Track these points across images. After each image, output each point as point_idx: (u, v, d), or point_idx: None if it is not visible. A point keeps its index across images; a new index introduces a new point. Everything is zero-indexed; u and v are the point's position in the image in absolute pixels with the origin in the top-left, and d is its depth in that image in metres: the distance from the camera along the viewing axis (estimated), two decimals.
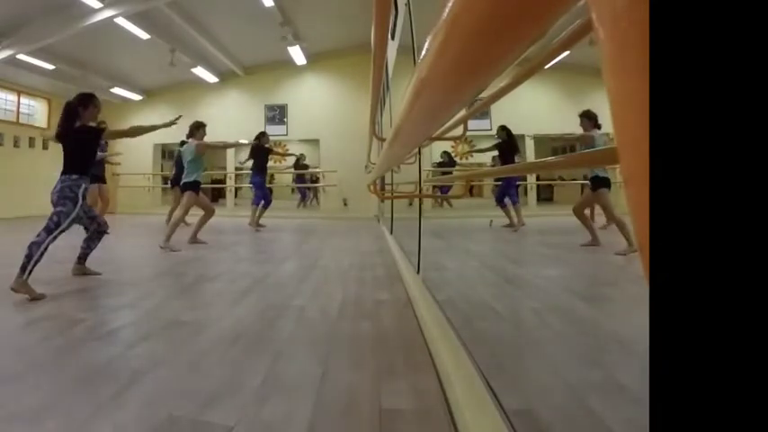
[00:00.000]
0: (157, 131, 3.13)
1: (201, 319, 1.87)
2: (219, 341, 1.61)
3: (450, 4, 0.32)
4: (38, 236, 2.26)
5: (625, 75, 0.15)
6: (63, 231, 2.38)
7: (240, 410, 1.09)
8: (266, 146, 6.18)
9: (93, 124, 2.77)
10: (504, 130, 5.07)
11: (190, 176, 4.30)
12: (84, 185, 2.49)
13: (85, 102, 2.65)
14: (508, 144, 5.02)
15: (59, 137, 2.59)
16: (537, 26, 0.27)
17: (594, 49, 0.18)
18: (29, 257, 2.19)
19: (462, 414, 0.99)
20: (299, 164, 10.76)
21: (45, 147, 8.67)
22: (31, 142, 8.54)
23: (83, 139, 2.58)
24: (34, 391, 1.17)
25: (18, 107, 8.37)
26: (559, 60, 0.64)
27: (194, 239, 4.31)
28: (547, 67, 0.66)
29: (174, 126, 3.12)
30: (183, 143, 7.24)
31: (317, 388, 1.21)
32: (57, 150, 2.78)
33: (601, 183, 3.22)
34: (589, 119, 3.39)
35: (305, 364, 1.39)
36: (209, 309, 2.08)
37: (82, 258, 2.74)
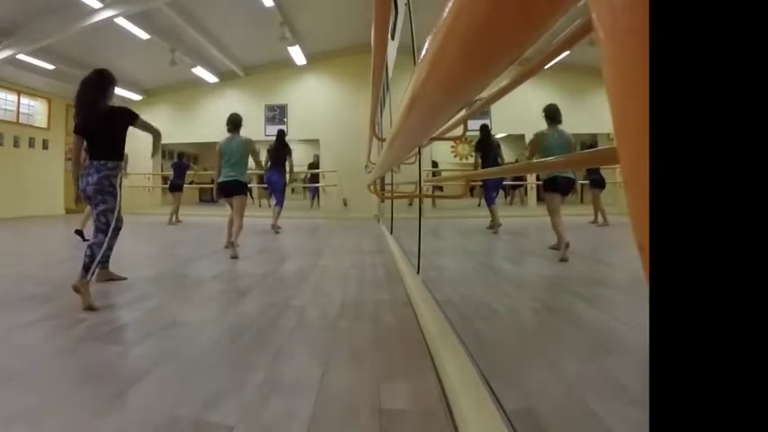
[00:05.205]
0: (155, 133, 3.03)
1: (202, 319, 1.87)
2: (220, 341, 1.61)
3: (450, 4, 0.32)
4: (95, 237, 2.16)
5: (625, 75, 0.15)
6: (119, 228, 2.30)
7: (241, 410, 1.09)
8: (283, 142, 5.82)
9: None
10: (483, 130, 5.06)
11: (242, 176, 3.72)
12: (120, 175, 2.30)
13: (114, 81, 2.44)
14: (485, 143, 5.00)
15: (87, 121, 2.28)
16: (537, 26, 0.27)
17: (594, 49, 0.18)
18: (91, 257, 2.05)
19: (462, 414, 0.99)
20: (314, 165, 10.94)
21: (45, 147, 8.67)
22: (31, 142, 8.54)
23: (124, 121, 2.34)
24: (34, 391, 1.17)
25: (18, 107, 8.36)
26: (559, 60, 0.63)
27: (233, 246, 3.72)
28: (547, 67, 0.66)
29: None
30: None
31: (318, 388, 1.21)
32: (57, 150, 2.75)
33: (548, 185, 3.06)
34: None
35: (305, 364, 1.39)
36: (209, 308, 2.08)
37: (104, 262, 2.46)
